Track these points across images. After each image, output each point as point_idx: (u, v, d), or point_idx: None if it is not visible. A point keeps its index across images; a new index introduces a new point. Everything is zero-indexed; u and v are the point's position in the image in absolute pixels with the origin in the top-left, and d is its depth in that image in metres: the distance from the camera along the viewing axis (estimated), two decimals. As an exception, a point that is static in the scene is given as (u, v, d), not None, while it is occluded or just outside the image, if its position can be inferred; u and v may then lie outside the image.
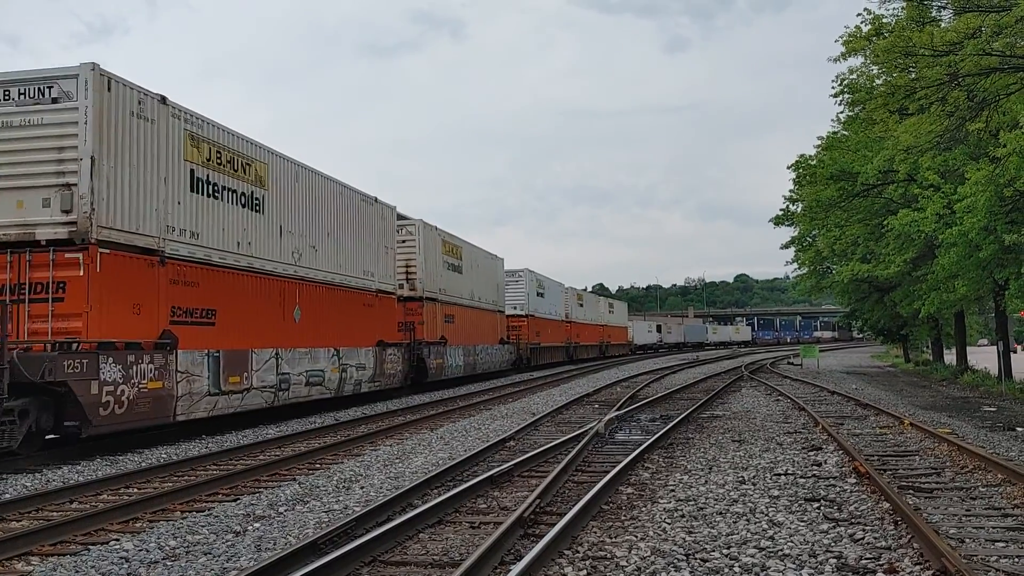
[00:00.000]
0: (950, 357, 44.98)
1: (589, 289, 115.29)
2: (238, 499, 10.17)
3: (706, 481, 10.58)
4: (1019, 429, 16.83)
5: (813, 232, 36.68)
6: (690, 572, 6.60)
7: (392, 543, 7.57)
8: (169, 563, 7.27)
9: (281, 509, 9.50)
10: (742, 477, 10.79)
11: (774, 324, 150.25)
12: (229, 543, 7.89)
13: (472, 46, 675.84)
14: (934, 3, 19.76)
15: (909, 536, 7.57)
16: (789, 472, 11.16)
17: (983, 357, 47.42)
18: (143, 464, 13.15)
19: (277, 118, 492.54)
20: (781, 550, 7.19)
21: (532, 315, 46.66)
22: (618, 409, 19.74)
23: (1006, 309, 31.35)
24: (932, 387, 31.71)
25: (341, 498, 10.05)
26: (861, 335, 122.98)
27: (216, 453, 13.98)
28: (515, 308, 44.90)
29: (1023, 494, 9.38)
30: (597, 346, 65.16)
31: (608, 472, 10.66)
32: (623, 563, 6.86)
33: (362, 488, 10.70)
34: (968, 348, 41.85)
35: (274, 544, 7.78)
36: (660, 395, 24.71)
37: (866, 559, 6.93)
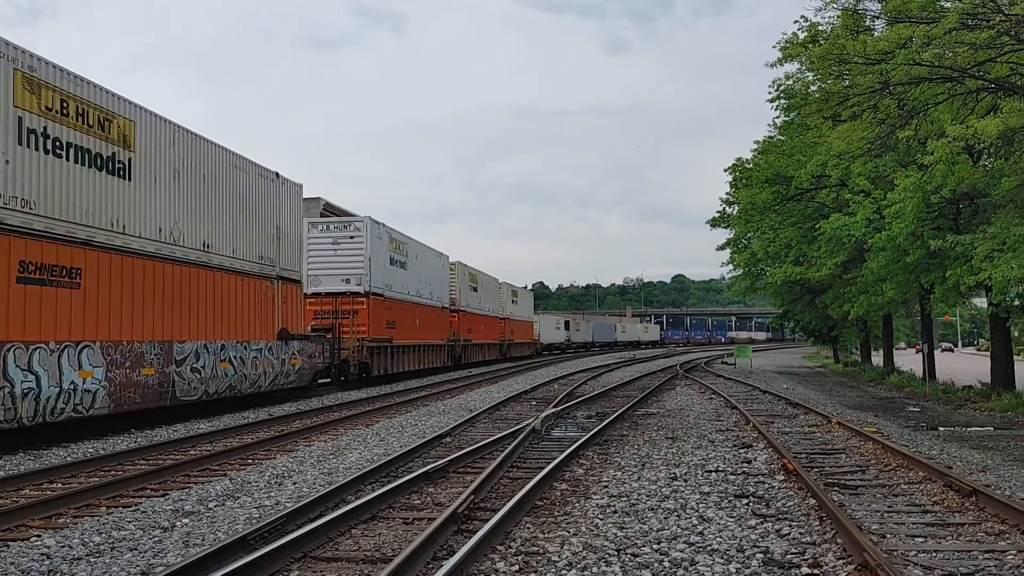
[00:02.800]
0: (878, 358, 46.25)
1: (529, 287, 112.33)
2: (167, 494, 9.97)
3: (639, 477, 10.70)
4: (941, 429, 17.38)
5: (748, 234, 37.38)
6: (621, 567, 6.67)
7: (323, 539, 7.50)
8: (93, 559, 7.10)
9: (211, 505, 9.34)
10: (674, 474, 10.94)
11: (683, 323, 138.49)
12: (156, 539, 7.73)
13: (414, 41, 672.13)
14: (868, 13, 20.29)
15: (833, 532, 7.76)
16: (720, 469, 11.34)
17: (906, 359, 48.86)
18: (68, 459, 12.81)
19: (213, 108, 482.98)
20: (710, 545, 7.31)
21: (379, 295, 30.10)
22: (555, 406, 19.85)
23: (931, 313, 32.39)
24: (860, 387, 32.56)
25: (273, 494, 9.92)
26: (792, 336, 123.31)
27: (145, 448, 13.70)
28: (346, 281, 28.86)
29: (942, 491, 9.69)
30: (496, 345, 52.75)
31: (543, 468, 10.71)
32: (555, 558, 6.90)
33: (295, 484, 10.57)
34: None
35: (203, 540, 7.65)
36: (596, 392, 24.93)
37: (791, 554, 7.08)
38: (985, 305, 24.01)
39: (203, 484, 10.64)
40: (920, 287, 26.40)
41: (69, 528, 8.23)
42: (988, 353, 29.17)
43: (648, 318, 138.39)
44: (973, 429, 17.36)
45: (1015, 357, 28.50)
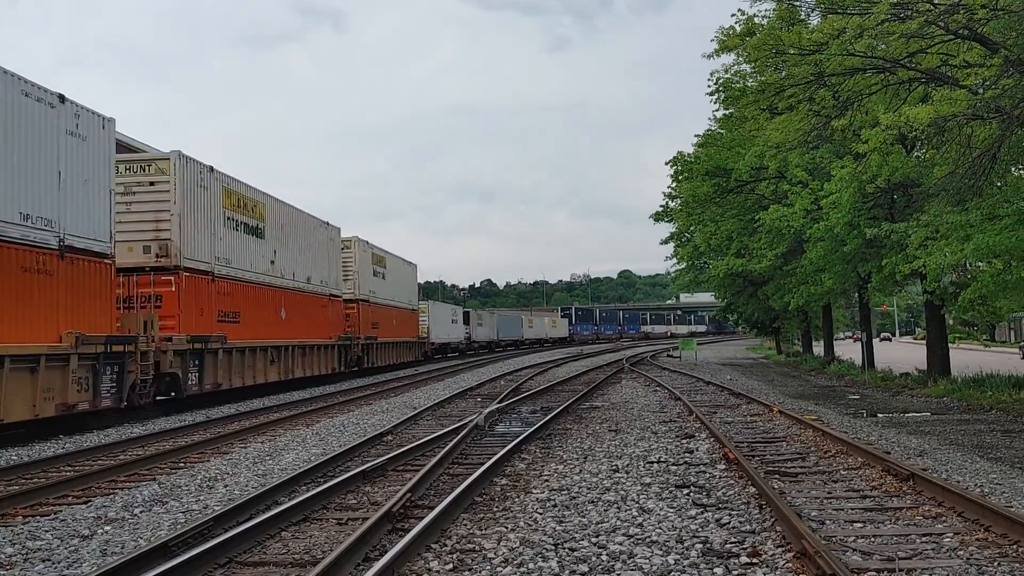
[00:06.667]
0: (819, 348, 46.98)
1: (477, 286, 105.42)
2: (90, 501, 9.54)
3: (580, 471, 10.57)
4: (879, 415, 17.60)
5: (691, 227, 37.61)
6: (558, 562, 6.50)
7: (251, 543, 7.20)
8: (2, 572, 6.71)
9: (136, 511, 8.95)
10: (616, 466, 10.83)
11: (593, 317, 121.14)
12: (73, 548, 7.35)
13: (354, 39, 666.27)
14: (803, 5, 20.45)
15: (773, 520, 7.70)
16: (662, 460, 11.27)
17: (846, 349, 49.74)
18: (-12, 467, 12.23)
19: (150, 107, 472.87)
20: (649, 536, 7.19)
21: None
22: (500, 402, 19.67)
23: (869, 302, 32.95)
24: (801, 377, 32.96)
25: (202, 497, 9.56)
26: (730, 328, 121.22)
27: (72, 453, 13.19)
28: None
29: (880, 476, 9.72)
30: (331, 348, 30.80)
31: (483, 464, 10.52)
32: (491, 555, 6.71)
33: (226, 487, 10.22)
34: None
35: (122, 548, 7.29)
36: (542, 387, 24.82)
37: (731, 543, 6.99)
38: (920, 293, 24.43)
39: (130, 489, 10.23)
40: (858, 276, 26.78)
41: (-19, 540, 7.79)
42: (924, 341, 29.74)
43: (555, 311, 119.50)
44: (910, 415, 17.61)
45: (950, 344, 29.09)
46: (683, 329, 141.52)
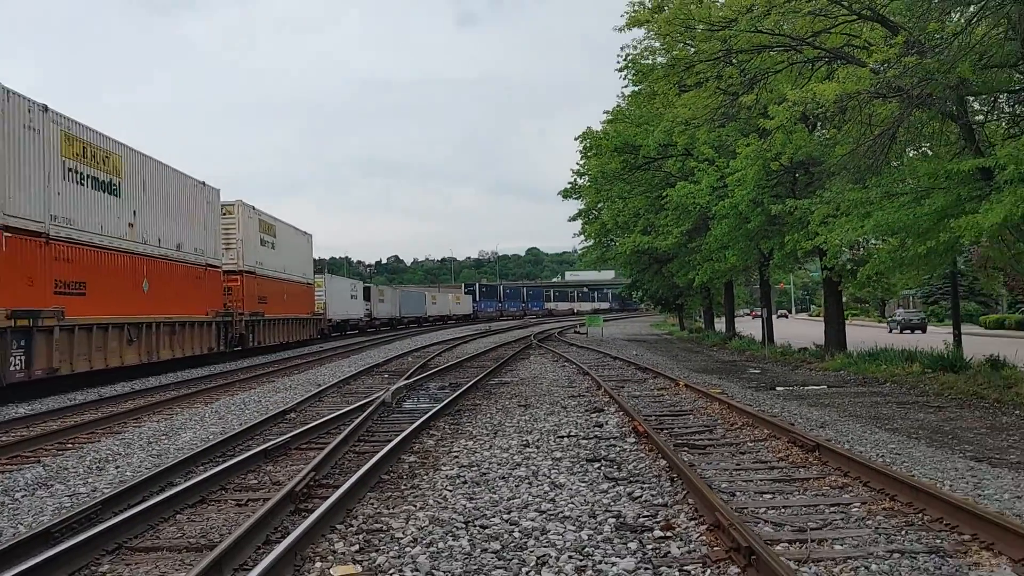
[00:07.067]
0: (720, 325, 48.05)
1: (384, 262, 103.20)
2: (-36, 487, 8.87)
3: (491, 446, 10.39)
4: (780, 388, 17.98)
5: (599, 204, 37.81)
6: (469, 540, 6.29)
7: (143, 527, 6.77)
8: None
9: (17, 495, 8.36)
10: (526, 441, 10.69)
11: (497, 294, 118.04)
12: (-57, 537, 6.77)
13: (255, 9, 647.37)
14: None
15: (684, 492, 7.66)
16: (572, 434, 11.18)
17: (746, 325, 51.04)
18: None
19: (43, 77, 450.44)
20: (562, 512, 7.05)
21: None
22: (407, 378, 19.36)
23: (770, 279, 33.76)
24: (704, 352, 33.60)
25: (91, 480, 9.00)
26: (634, 305, 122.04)
27: (-53, 436, 12.33)
28: None
29: (787, 447, 9.84)
30: (211, 324, 27.36)
31: (391, 441, 10.23)
32: (399, 535, 6.46)
33: (117, 468, 9.67)
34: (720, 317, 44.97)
35: (-1, 535, 6.76)
36: (451, 364, 24.59)
37: (644, 517, 6.90)
38: (818, 273, 25.10)
39: (11, 473, 9.57)
40: (760, 253, 27.36)
41: None
42: (820, 318, 30.65)
43: (460, 288, 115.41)
44: (810, 388, 18.05)
45: (846, 321, 30.01)
46: (587, 306, 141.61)
